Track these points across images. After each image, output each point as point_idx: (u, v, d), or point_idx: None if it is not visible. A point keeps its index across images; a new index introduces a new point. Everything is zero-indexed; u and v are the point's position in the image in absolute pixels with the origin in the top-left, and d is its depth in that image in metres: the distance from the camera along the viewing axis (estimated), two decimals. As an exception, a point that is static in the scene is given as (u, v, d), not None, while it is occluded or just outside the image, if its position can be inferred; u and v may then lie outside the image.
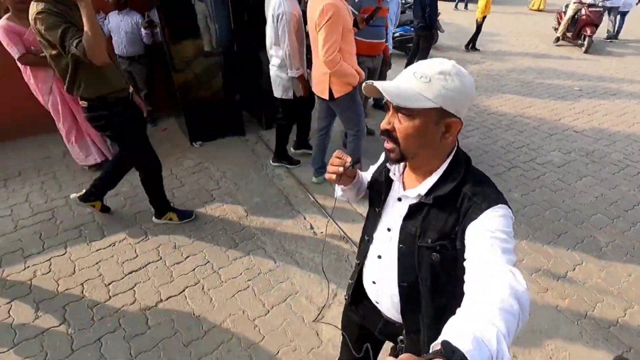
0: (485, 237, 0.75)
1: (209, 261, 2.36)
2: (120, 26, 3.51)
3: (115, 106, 2.09)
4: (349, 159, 0.98)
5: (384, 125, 0.84)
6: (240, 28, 3.71)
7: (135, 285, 2.17)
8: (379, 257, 1.02)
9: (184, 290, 2.15)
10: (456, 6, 13.44)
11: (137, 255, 2.39)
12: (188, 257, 2.39)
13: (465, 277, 0.73)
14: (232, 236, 2.56)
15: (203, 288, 2.17)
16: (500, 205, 0.80)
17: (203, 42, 3.33)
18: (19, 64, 2.72)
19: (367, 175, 1.13)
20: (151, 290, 2.15)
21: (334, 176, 0.98)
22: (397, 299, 1.00)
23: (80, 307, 2.04)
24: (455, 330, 0.56)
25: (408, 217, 0.91)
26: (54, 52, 1.83)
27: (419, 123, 0.80)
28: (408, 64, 5.47)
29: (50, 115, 2.98)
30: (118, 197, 2.89)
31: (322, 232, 2.60)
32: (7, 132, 3.58)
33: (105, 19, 3.54)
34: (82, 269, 2.29)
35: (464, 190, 0.83)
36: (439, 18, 5.83)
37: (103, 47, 1.76)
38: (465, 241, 0.80)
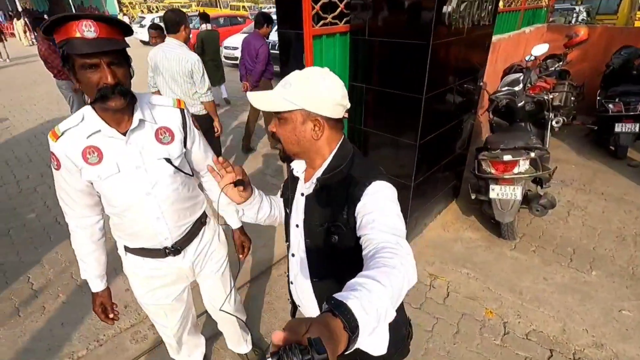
0: (372, 214, 0.84)
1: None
2: None
3: None
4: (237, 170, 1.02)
5: (270, 127, 0.97)
6: None
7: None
8: (293, 255, 1.12)
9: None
10: None
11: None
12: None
13: (363, 254, 0.80)
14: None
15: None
16: (379, 180, 0.91)
17: None
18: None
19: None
20: None
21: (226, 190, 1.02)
22: (313, 298, 1.09)
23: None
24: (345, 290, 0.60)
25: (307, 209, 1.01)
26: None
27: (290, 126, 0.93)
28: None
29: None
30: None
31: None
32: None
33: None
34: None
35: (350, 174, 0.95)
36: None
37: None
38: (357, 218, 0.88)
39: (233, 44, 10.59)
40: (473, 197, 2.88)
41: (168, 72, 2.95)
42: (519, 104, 3.21)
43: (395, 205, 0.88)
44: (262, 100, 0.94)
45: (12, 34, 18.89)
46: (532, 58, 3.49)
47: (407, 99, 2.33)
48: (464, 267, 2.68)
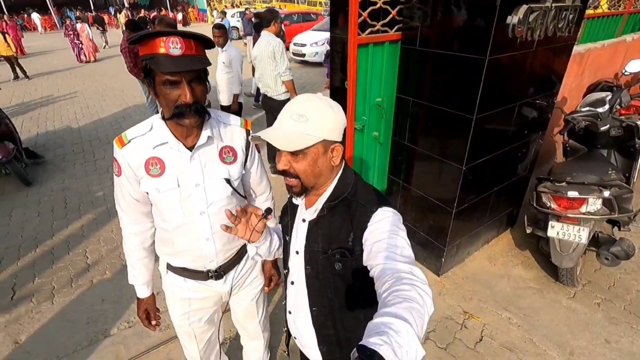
0: (382, 242, 0.84)
1: None
2: None
3: None
4: (259, 211, 0.98)
5: (281, 166, 0.91)
6: None
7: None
8: (292, 283, 1.09)
9: None
10: None
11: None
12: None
13: (376, 286, 0.78)
14: None
15: None
16: (385, 207, 0.91)
17: None
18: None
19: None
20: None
21: (240, 232, 0.99)
22: (311, 330, 1.07)
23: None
24: (371, 333, 0.58)
25: (309, 234, 1.00)
26: None
27: (311, 159, 0.89)
28: None
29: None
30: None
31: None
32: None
33: None
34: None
35: (354, 199, 0.94)
36: None
37: None
38: (364, 247, 0.88)
39: (302, 40, 10.72)
40: (528, 231, 2.53)
41: (259, 57, 3.69)
42: (602, 128, 2.72)
43: (403, 232, 0.88)
44: (283, 141, 0.86)
45: (117, 26, 21.41)
46: (627, 74, 2.95)
47: (456, 118, 2.10)
48: (506, 310, 2.37)
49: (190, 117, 1.02)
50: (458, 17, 1.93)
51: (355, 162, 2.60)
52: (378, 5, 2.12)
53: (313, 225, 0.99)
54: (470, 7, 1.86)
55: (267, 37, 3.63)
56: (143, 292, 1.39)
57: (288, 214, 1.11)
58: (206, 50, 1.07)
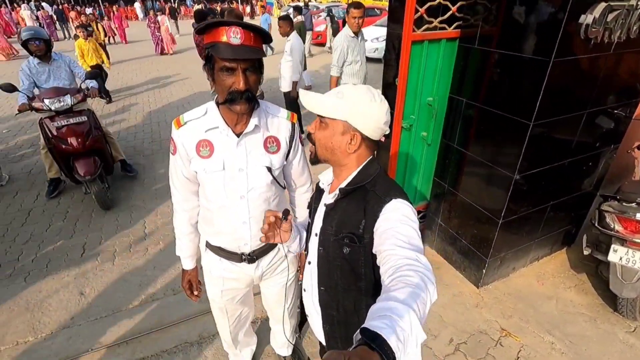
0: (391, 230, 0.86)
1: None
2: None
3: None
4: (278, 214, 1.03)
5: (310, 128, 1.03)
6: None
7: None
8: (309, 262, 1.15)
9: None
10: None
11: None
12: None
13: (381, 271, 0.80)
14: None
15: None
16: (399, 199, 0.93)
17: None
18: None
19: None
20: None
21: (270, 237, 1.06)
22: (318, 307, 1.13)
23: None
24: (373, 317, 0.59)
25: (326, 217, 1.05)
26: None
27: (329, 132, 0.98)
28: None
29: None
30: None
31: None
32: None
33: None
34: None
35: (372, 189, 0.97)
36: None
37: None
38: (375, 235, 0.91)
39: (363, 36, 10.60)
40: (586, 252, 2.30)
41: None
42: (693, 146, 2.38)
43: (414, 223, 0.89)
44: (314, 101, 0.98)
45: (191, 17, 22.94)
46: None
47: (511, 123, 1.97)
48: (549, 334, 2.20)
49: (241, 103, 1.08)
50: (522, 14, 1.80)
51: (400, 160, 2.56)
52: (437, 2, 2.05)
53: (330, 209, 1.04)
54: (538, 4, 1.72)
55: (343, 31, 3.67)
56: (187, 264, 1.51)
57: (314, 199, 1.17)
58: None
